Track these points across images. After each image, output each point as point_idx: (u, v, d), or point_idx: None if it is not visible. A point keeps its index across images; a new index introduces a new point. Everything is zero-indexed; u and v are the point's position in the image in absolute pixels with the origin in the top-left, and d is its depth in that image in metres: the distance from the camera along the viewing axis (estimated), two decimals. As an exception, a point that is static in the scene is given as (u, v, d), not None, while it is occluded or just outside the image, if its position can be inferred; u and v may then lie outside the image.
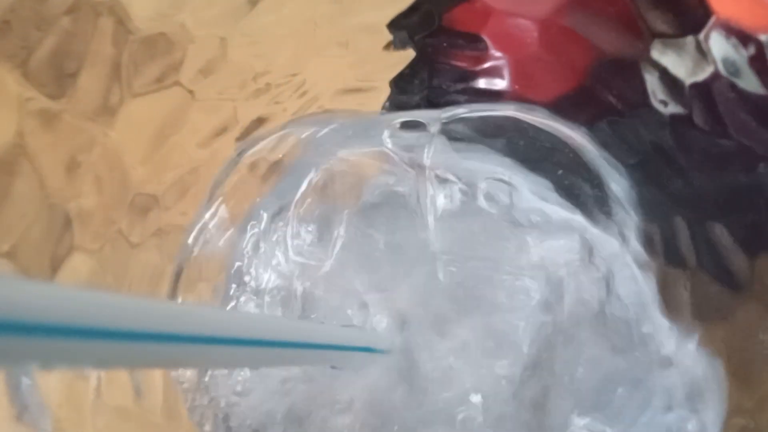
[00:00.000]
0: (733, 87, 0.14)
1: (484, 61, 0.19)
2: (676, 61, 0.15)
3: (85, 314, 0.08)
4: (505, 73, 0.19)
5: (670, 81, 0.15)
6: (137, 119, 0.15)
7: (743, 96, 0.14)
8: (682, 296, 0.18)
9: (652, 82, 0.15)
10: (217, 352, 0.11)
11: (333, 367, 0.18)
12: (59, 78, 0.13)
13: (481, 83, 0.20)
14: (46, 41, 0.12)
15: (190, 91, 0.15)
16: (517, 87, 0.20)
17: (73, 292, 0.08)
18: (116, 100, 0.14)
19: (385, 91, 0.21)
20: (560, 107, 0.19)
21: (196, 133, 0.16)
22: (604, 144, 0.19)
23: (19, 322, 0.07)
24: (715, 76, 0.14)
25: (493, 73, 0.20)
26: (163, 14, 0.14)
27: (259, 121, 0.18)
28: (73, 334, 0.08)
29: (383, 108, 0.22)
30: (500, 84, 0.20)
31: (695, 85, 0.15)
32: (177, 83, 0.15)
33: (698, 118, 0.15)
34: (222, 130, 0.17)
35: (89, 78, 0.13)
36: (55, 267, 0.13)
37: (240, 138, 0.18)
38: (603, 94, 0.17)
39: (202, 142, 0.16)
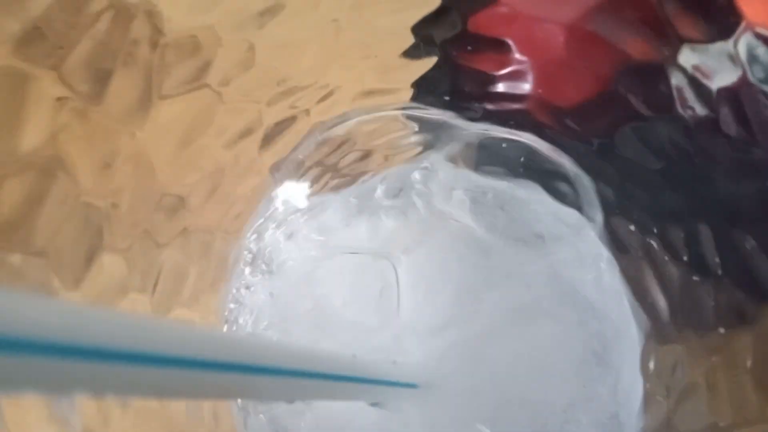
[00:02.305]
0: (763, 93, 0.14)
1: (508, 65, 0.19)
2: (704, 67, 0.15)
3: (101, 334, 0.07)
4: (529, 77, 0.19)
5: (697, 86, 0.15)
6: (166, 121, 0.15)
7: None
8: (706, 303, 0.18)
9: (678, 87, 0.15)
10: (246, 382, 0.10)
11: (373, 404, 0.18)
12: (93, 80, 0.13)
13: (505, 87, 0.20)
14: (81, 43, 0.12)
15: (218, 94, 0.15)
16: (540, 91, 0.20)
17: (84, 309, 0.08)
18: (147, 101, 0.14)
19: (407, 93, 0.21)
20: (584, 111, 0.19)
21: (221, 135, 0.16)
22: (626, 149, 0.19)
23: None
24: (744, 82, 0.14)
25: (517, 77, 0.20)
26: (194, 18, 0.14)
27: (283, 124, 0.18)
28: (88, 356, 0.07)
29: (404, 111, 0.22)
30: (523, 88, 0.20)
31: (723, 91, 0.15)
32: (206, 85, 0.15)
33: (725, 125, 0.15)
34: (247, 132, 0.17)
35: (122, 80, 0.14)
36: (85, 265, 0.13)
37: (265, 140, 0.18)
38: (628, 99, 0.17)
39: (227, 143, 0.17)
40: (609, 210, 0.22)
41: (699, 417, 0.18)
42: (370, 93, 0.21)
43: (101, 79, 0.13)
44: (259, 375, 0.11)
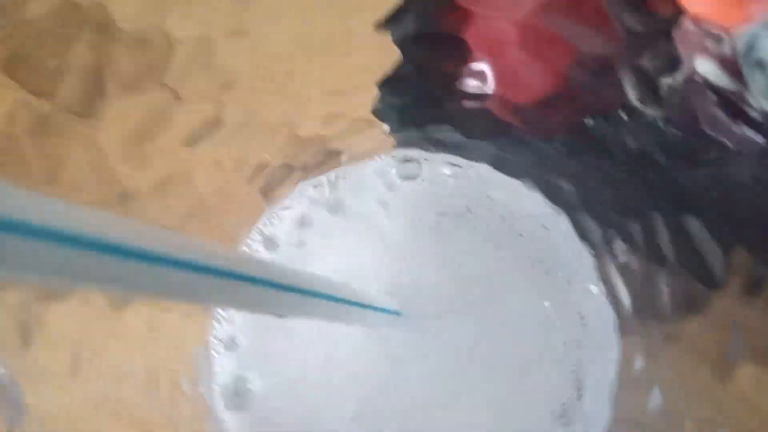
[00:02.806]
0: (708, 86, 0.15)
1: (468, 64, 0.19)
2: (650, 60, 0.15)
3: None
4: (489, 75, 0.20)
5: (645, 79, 0.15)
6: (122, 118, 0.15)
7: (715, 92, 0.14)
8: (663, 293, 0.19)
9: (628, 81, 0.16)
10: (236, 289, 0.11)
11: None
12: (46, 79, 0.13)
13: (466, 86, 0.21)
14: (32, 42, 0.12)
15: (174, 91, 0.16)
16: (500, 90, 0.20)
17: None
18: (102, 99, 0.14)
19: (372, 92, 0.21)
20: (542, 108, 0.19)
21: (179, 133, 0.16)
22: (584, 145, 0.19)
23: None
24: (688, 73, 0.15)
25: (477, 76, 0.20)
26: (148, 14, 0.14)
27: (243, 122, 0.18)
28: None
29: (372, 110, 0.23)
30: (484, 87, 0.20)
31: (669, 83, 0.15)
32: (161, 83, 0.15)
33: (673, 116, 0.15)
34: (206, 131, 0.17)
35: (75, 78, 0.14)
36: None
37: (224, 137, 0.18)
38: (583, 94, 0.17)
39: (184, 141, 0.17)
40: (573, 207, 0.23)
41: (659, 404, 0.18)
42: (334, 92, 0.21)
43: (55, 78, 0.13)
44: (246, 284, 0.11)
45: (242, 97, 0.17)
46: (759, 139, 0.14)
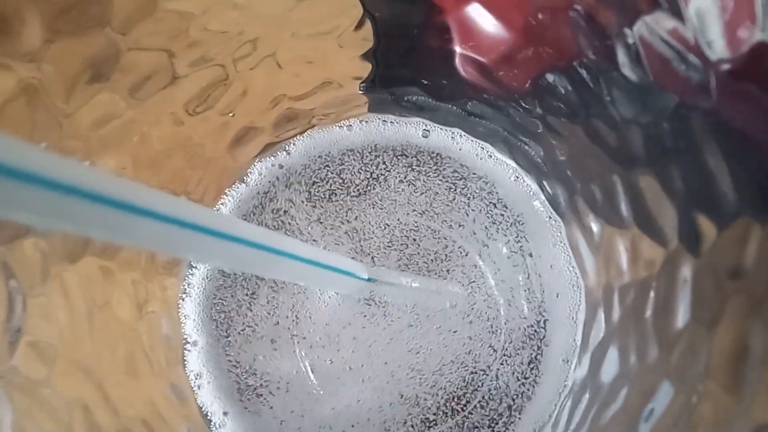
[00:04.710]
0: (661, 39, 0.14)
1: (430, 19, 0.19)
2: (605, 13, 0.15)
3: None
4: (452, 33, 0.19)
5: (597, 29, 0.15)
6: (66, 63, 0.15)
7: (668, 45, 0.14)
8: (621, 256, 0.18)
9: (580, 31, 0.15)
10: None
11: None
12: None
13: (430, 43, 0.20)
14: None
15: (123, 35, 0.15)
16: (464, 46, 0.19)
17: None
18: (45, 43, 0.14)
19: (335, 33, 0.20)
20: (504, 65, 0.19)
21: (127, 80, 0.16)
22: (546, 105, 0.19)
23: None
24: (642, 26, 0.14)
25: (441, 33, 0.20)
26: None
27: (198, 72, 0.18)
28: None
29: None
30: (449, 44, 0.20)
31: (620, 32, 0.15)
32: (107, 25, 0.15)
33: (624, 66, 0.15)
34: (156, 79, 0.17)
35: (18, 20, 0.14)
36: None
37: (174, 87, 0.18)
38: (541, 48, 0.17)
39: (133, 89, 0.16)
40: (541, 172, 0.22)
41: (614, 366, 0.18)
42: (295, 38, 0.20)
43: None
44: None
45: (191, 46, 0.17)
46: (711, 88, 0.14)
